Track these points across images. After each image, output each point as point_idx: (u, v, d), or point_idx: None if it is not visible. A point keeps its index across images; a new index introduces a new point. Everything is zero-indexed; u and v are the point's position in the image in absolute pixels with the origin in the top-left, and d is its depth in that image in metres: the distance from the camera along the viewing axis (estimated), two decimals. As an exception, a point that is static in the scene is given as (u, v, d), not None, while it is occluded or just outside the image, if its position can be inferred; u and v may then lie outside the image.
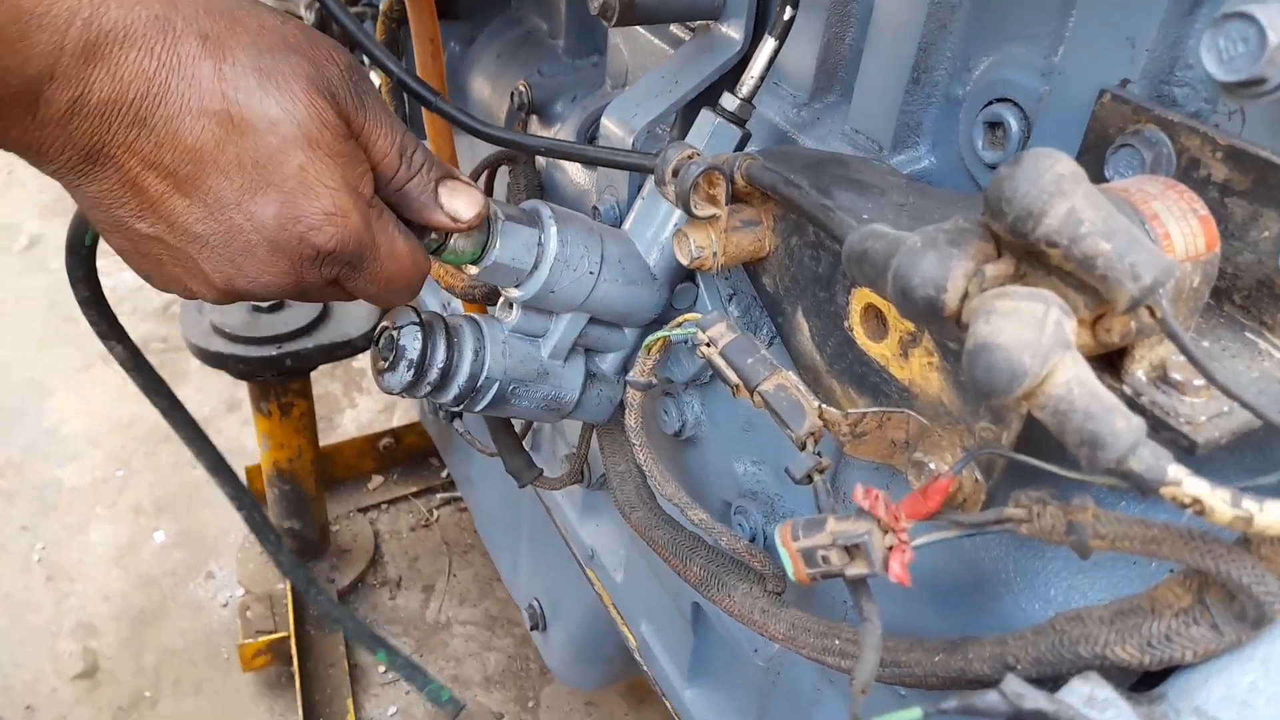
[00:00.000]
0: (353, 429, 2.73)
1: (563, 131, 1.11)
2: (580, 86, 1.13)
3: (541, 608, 1.65)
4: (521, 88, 1.11)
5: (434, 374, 0.71)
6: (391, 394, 0.73)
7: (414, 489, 2.52)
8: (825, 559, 0.51)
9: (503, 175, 1.16)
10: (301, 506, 2.13)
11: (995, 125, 0.64)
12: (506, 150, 1.10)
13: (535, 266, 0.72)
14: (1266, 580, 0.40)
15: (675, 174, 0.65)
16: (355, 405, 2.83)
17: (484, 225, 0.69)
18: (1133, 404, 0.45)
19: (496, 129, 0.78)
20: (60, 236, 3.70)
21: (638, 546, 1.14)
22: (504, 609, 2.27)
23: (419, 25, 0.95)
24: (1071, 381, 0.39)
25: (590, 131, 1.08)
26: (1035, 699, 0.40)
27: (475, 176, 1.14)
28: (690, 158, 0.65)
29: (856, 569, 0.50)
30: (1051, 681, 0.49)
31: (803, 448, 0.58)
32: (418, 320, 0.71)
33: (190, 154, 0.53)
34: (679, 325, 0.68)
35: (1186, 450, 0.43)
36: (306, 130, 0.54)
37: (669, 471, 0.77)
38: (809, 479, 0.58)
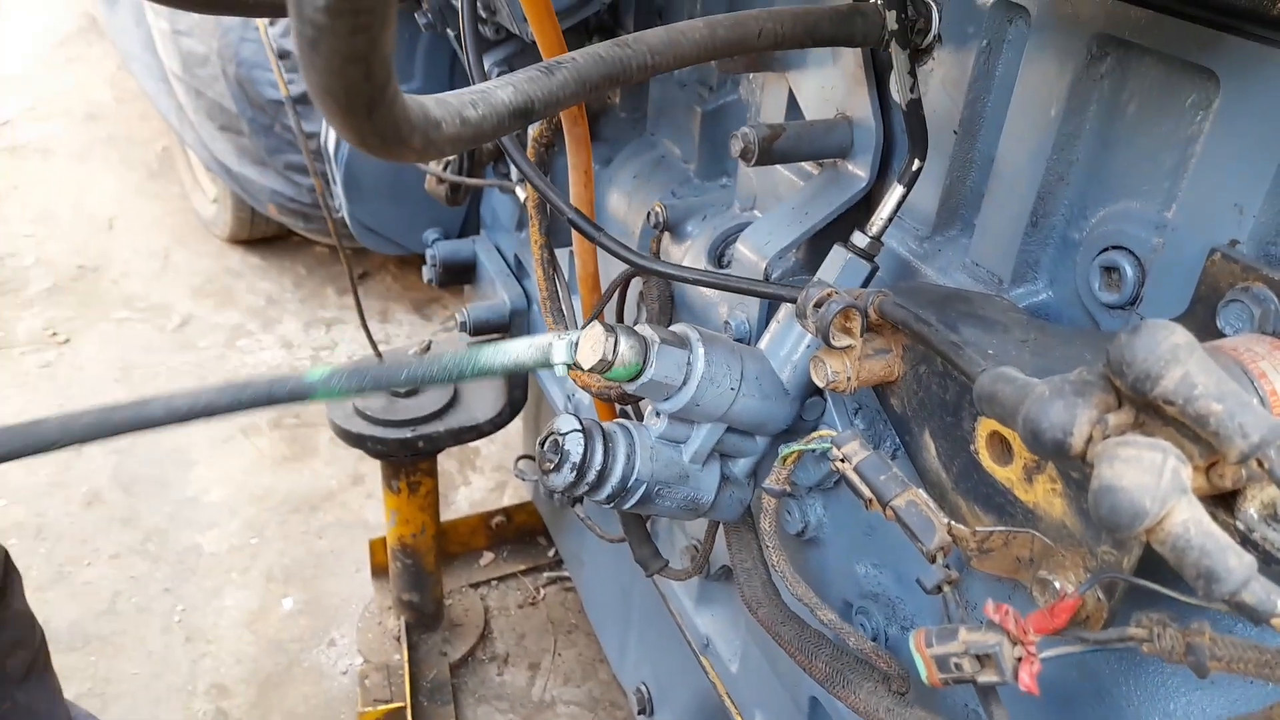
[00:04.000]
0: (465, 506, 2.85)
1: (693, 248, 1.21)
2: (710, 207, 1.24)
3: (649, 692, 1.70)
4: (658, 209, 1.22)
5: (592, 475, 0.80)
6: (555, 491, 0.82)
7: (523, 567, 2.61)
8: (958, 665, 0.57)
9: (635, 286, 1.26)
10: (421, 580, 2.24)
11: (1111, 269, 0.70)
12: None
13: (684, 383, 0.80)
14: (1376, 709, 0.45)
15: (816, 308, 0.73)
16: (469, 483, 2.96)
17: (642, 348, 0.79)
18: (1245, 539, 0.50)
19: (662, 263, 0.88)
20: (210, 317, 3.99)
21: (754, 638, 1.19)
22: (606, 691, 2.31)
23: (575, 157, 1.07)
24: (1188, 522, 0.44)
25: (719, 250, 1.18)
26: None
27: (612, 290, 1.25)
28: (830, 295, 0.73)
29: (987, 676, 0.55)
30: (1173, 792, 0.53)
31: (933, 561, 0.64)
32: (580, 427, 0.81)
33: None
34: (813, 440, 0.76)
35: (1297, 584, 0.48)
36: None
37: (798, 572, 0.83)
38: (939, 589, 0.64)
